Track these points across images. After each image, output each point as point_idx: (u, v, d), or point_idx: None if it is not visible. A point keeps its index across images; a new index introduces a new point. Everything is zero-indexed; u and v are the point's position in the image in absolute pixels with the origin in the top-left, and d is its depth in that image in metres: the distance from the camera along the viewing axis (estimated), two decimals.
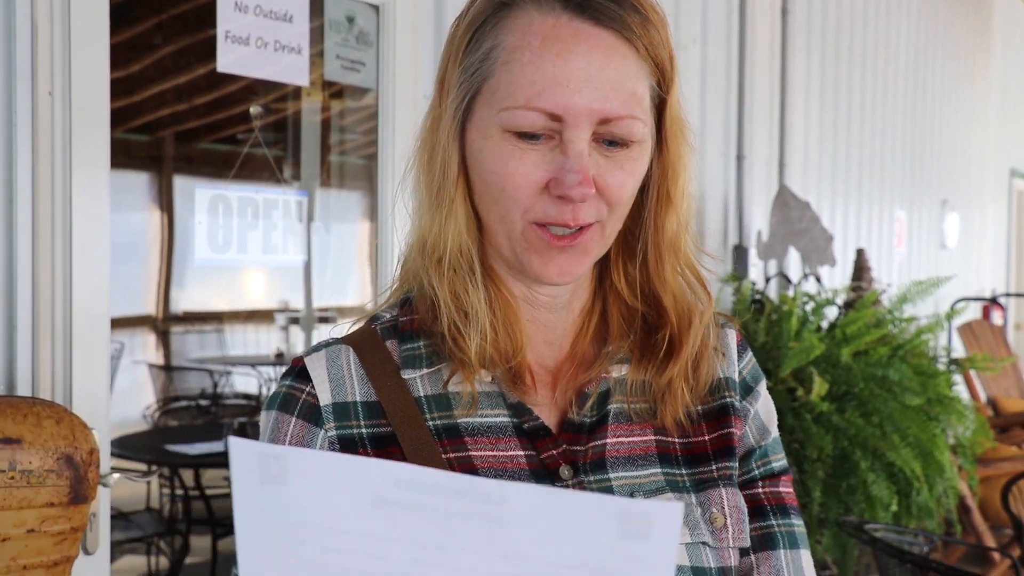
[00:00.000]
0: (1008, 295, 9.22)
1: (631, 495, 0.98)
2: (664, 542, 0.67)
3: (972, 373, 6.25)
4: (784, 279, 4.82)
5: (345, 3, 2.72)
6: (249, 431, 4.28)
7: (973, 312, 8.22)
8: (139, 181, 6.97)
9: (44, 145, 1.92)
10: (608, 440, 1.00)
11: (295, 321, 6.30)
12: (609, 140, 0.93)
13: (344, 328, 1.07)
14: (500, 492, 0.67)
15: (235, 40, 2.33)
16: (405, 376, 1.00)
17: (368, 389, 1.00)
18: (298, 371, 1.01)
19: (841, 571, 3.89)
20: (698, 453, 1.03)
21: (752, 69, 4.76)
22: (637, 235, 1.02)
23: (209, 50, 2.33)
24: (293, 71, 2.50)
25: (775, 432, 1.10)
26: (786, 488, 1.08)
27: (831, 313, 4.39)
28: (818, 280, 4.64)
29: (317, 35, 2.63)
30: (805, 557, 1.05)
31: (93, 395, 1.96)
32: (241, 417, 4.66)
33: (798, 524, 1.07)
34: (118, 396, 6.02)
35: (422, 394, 1.00)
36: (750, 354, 1.11)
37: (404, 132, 2.73)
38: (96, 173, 1.99)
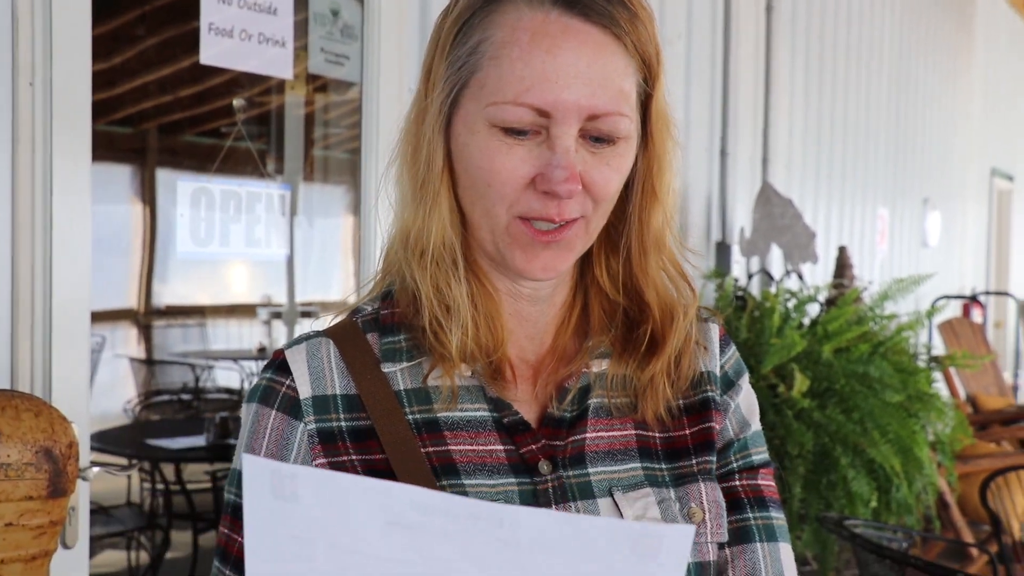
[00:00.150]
0: (988, 293, 9.28)
1: (610, 490, 0.98)
2: (674, 562, 0.67)
3: (952, 370, 6.28)
4: (766, 276, 4.83)
5: None
6: (231, 425, 4.27)
7: (953, 310, 8.27)
8: (122, 174, 6.93)
9: (24, 137, 1.91)
10: (588, 435, 1.00)
11: (277, 316, 6.28)
12: (596, 136, 0.93)
13: (326, 321, 1.06)
14: (514, 516, 0.67)
15: (219, 32, 2.32)
16: (385, 369, 1.00)
17: (348, 382, 1.00)
18: (278, 364, 1.01)
19: (821, 567, 3.91)
20: (678, 448, 1.03)
21: (736, 65, 4.77)
22: (621, 230, 1.02)
23: (193, 42, 2.32)
24: (277, 64, 2.49)
25: (756, 426, 1.09)
26: (766, 481, 1.07)
27: (813, 310, 4.40)
28: (800, 277, 4.66)
29: (301, 28, 2.62)
30: (784, 550, 1.05)
31: (73, 388, 1.95)
32: (223, 411, 4.63)
33: (777, 517, 1.06)
34: (99, 390, 5.99)
35: (402, 388, 1.00)
36: (733, 348, 1.11)
37: (388, 126, 2.72)
38: (77, 165, 1.98)
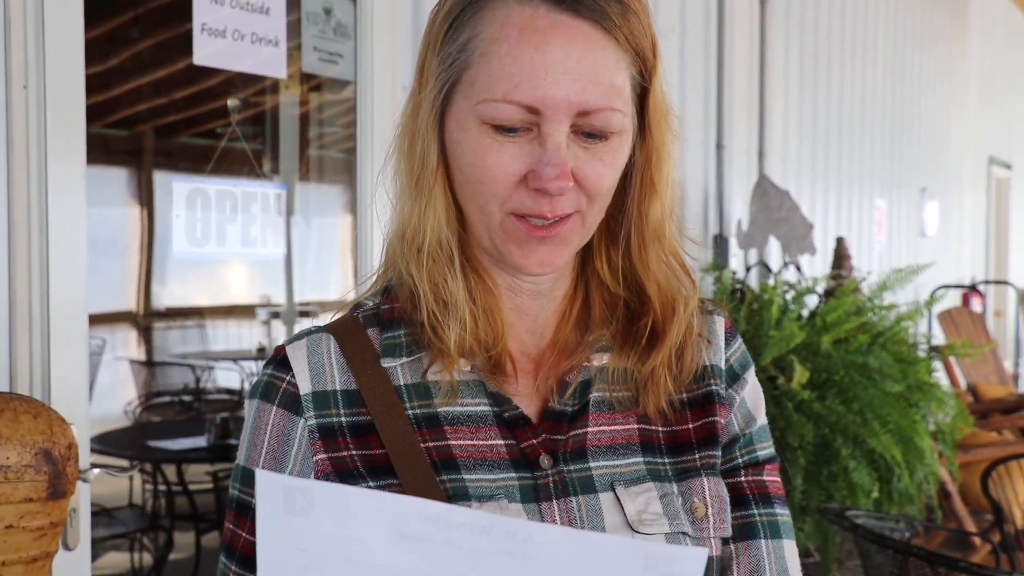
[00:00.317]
0: (987, 282, 9.28)
1: (611, 484, 0.98)
2: None
3: (952, 360, 6.29)
4: (764, 268, 4.83)
5: None
6: (232, 426, 4.27)
7: (953, 300, 8.27)
8: (118, 176, 6.94)
9: (19, 139, 1.91)
10: (589, 429, 1.00)
11: (276, 316, 6.28)
12: (588, 132, 0.92)
13: (327, 317, 1.07)
14: (525, 531, 0.67)
15: (211, 33, 2.32)
16: (385, 364, 1.00)
17: (348, 377, 1.00)
18: (279, 360, 1.01)
19: (823, 558, 3.91)
20: (682, 442, 1.03)
21: (731, 57, 4.77)
22: (620, 222, 1.02)
23: (187, 44, 2.32)
24: (270, 63, 2.49)
25: (762, 420, 1.08)
26: (771, 477, 1.07)
27: (811, 301, 4.41)
28: (798, 269, 4.66)
29: (294, 28, 2.61)
30: (788, 547, 1.04)
31: (72, 390, 1.95)
32: (224, 412, 4.64)
33: (782, 513, 1.06)
34: (100, 392, 6.00)
35: (402, 383, 1.00)
36: (739, 341, 1.10)
37: (383, 124, 2.72)
38: (72, 167, 1.98)
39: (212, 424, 4.28)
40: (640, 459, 1.00)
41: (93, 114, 5.79)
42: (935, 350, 4.54)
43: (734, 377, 1.07)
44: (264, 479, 0.68)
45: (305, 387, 0.99)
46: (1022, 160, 11.52)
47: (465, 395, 0.99)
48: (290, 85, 3.53)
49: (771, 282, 4.36)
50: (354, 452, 0.98)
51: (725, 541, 1.02)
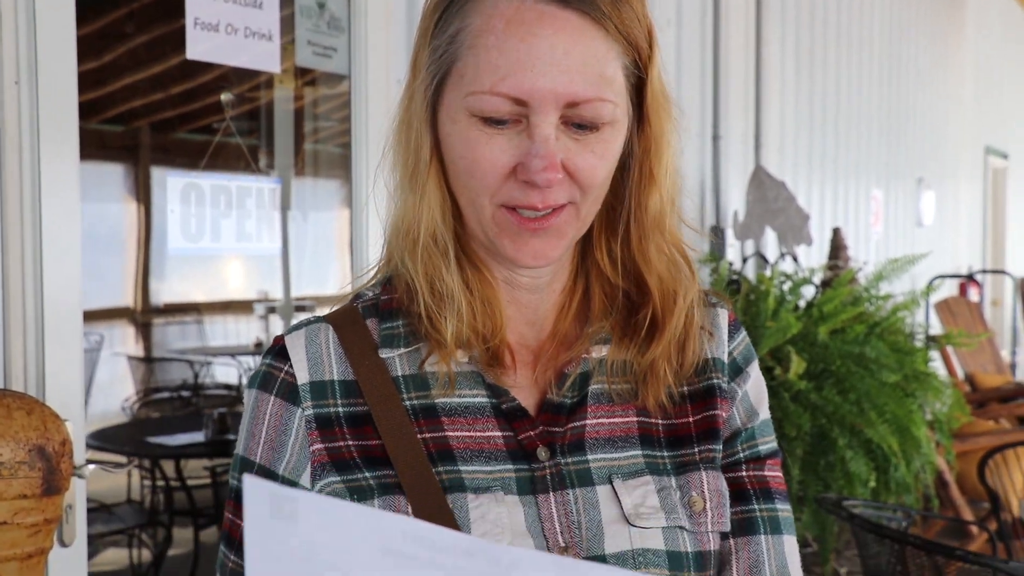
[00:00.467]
0: (984, 272, 9.28)
1: (609, 477, 0.98)
2: None
3: (949, 349, 6.29)
4: (761, 259, 4.84)
5: None
6: (229, 421, 4.28)
7: (950, 289, 8.27)
8: (115, 172, 6.93)
9: (11, 136, 1.91)
10: (588, 421, 1.00)
11: (274, 311, 6.29)
12: (578, 123, 0.92)
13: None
14: (510, 557, 0.67)
15: (204, 27, 2.32)
16: (383, 355, 1.00)
17: (346, 368, 1.00)
18: (278, 350, 1.02)
19: (821, 548, 3.92)
20: (681, 435, 1.02)
21: (727, 49, 4.76)
22: (620, 213, 1.01)
23: (181, 39, 2.31)
24: (264, 58, 2.49)
25: (765, 414, 1.08)
26: (772, 472, 1.06)
27: (808, 292, 4.41)
28: (795, 259, 4.66)
29: (288, 22, 2.61)
30: (788, 543, 1.04)
31: (67, 386, 1.95)
32: (221, 407, 4.64)
33: (783, 509, 1.05)
34: (98, 388, 6.00)
35: (400, 373, 1.00)
36: (743, 334, 1.09)
37: (377, 117, 2.72)
38: (65, 164, 1.97)
39: (210, 419, 4.28)
40: (639, 452, 1.00)
41: (88, 110, 5.80)
42: (932, 340, 4.55)
43: (737, 371, 1.06)
44: (251, 485, 0.68)
45: (303, 377, 0.99)
46: (1018, 150, 11.52)
47: (463, 386, 0.99)
48: (284, 80, 3.53)
49: (768, 273, 4.36)
50: (351, 442, 0.98)
51: (724, 536, 1.02)
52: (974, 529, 4.55)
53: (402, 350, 1.00)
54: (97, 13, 4.97)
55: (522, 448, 0.97)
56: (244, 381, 6.27)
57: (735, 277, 4.19)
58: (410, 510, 0.94)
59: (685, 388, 1.03)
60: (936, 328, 6.78)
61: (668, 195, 1.01)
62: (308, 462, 0.98)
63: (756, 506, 1.04)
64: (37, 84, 1.92)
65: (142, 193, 6.99)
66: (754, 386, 1.07)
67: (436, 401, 0.98)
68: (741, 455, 1.05)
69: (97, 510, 4.20)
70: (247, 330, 7.25)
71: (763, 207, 4.61)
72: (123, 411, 5.91)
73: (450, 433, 0.97)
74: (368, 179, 2.72)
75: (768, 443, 1.07)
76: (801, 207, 4.71)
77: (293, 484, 0.99)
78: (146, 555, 4.51)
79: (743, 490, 1.04)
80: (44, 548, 1.34)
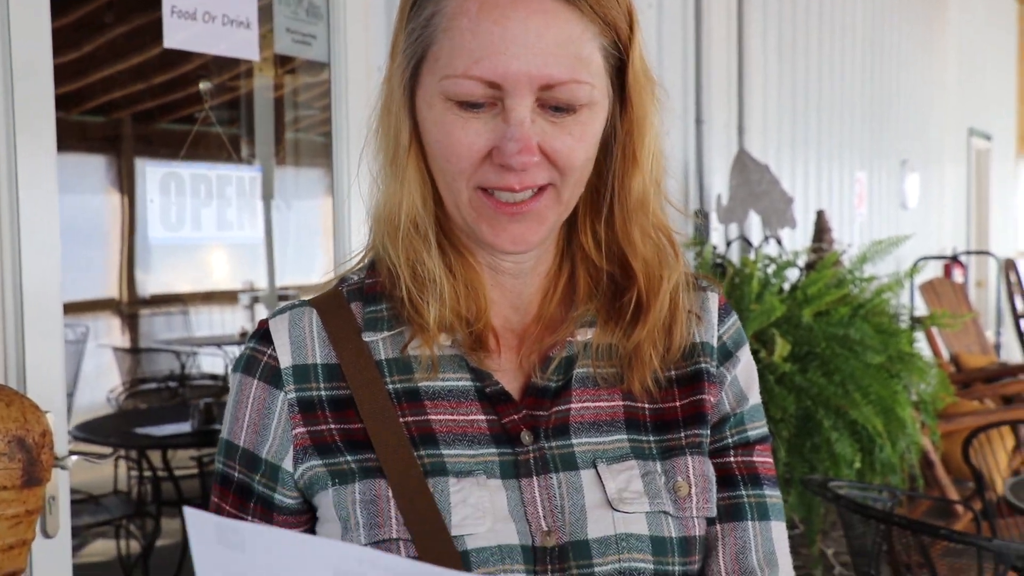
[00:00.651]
0: (968, 253, 9.32)
1: (594, 461, 0.97)
2: None
3: (935, 331, 6.31)
4: (745, 242, 4.84)
5: None
6: (215, 411, 4.26)
7: (935, 271, 8.30)
8: (97, 163, 6.90)
9: None
10: (573, 405, 0.99)
11: (258, 300, 6.27)
12: (555, 106, 0.91)
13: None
14: None
15: (181, 15, 2.30)
16: (366, 339, 1.00)
17: (329, 351, 1.00)
18: (261, 334, 1.02)
19: (807, 529, 3.93)
20: (668, 420, 1.02)
21: (709, 32, 4.76)
22: (604, 195, 1.01)
23: (160, 28, 2.29)
24: (243, 46, 2.47)
25: (755, 399, 1.07)
26: (761, 458, 1.05)
27: (792, 275, 4.42)
28: (779, 242, 4.67)
29: (267, 10, 2.59)
30: (776, 529, 1.04)
31: (48, 378, 1.94)
32: (207, 397, 4.63)
33: (771, 495, 1.05)
34: (85, 381, 5.98)
35: (383, 357, 0.99)
36: (733, 318, 1.08)
37: (357, 105, 2.70)
38: (42, 156, 1.96)
39: (196, 409, 4.27)
40: (624, 436, 1.00)
41: (68, 102, 5.76)
42: (917, 321, 4.56)
43: (726, 355, 1.05)
44: (193, 517, 0.68)
45: (285, 361, 1.00)
46: (1001, 131, 11.55)
47: (447, 370, 0.99)
48: (264, 68, 3.51)
49: (752, 256, 4.36)
50: (332, 426, 0.98)
51: (710, 521, 1.01)
52: (959, 508, 4.57)
53: (385, 333, 1.00)
54: (75, 4, 4.94)
55: (506, 432, 0.97)
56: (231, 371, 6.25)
57: (719, 261, 4.20)
58: (391, 494, 0.94)
59: (672, 372, 1.03)
60: (921, 309, 6.81)
61: (652, 177, 1.00)
62: (291, 446, 0.99)
63: (744, 492, 1.03)
64: (12, 76, 1.90)
65: (125, 184, 6.96)
66: (744, 371, 1.06)
67: (419, 385, 0.98)
68: (729, 440, 1.04)
69: (84, 501, 4.19)
70: (232, 320, 7.23)
71: (747, 191, 4.62)
72: (108, 402, 5.89)
73: (433, 417, 0.97)
74: (350, 167, 2.71)
75: (758, 428, 1.06)
76: (785, 190, 4.72)
77: (276, 468, 1.00)
78: (134, 546, 4.50)
79: (731, 476, 1.03)
80: (26, 539, 1.34)
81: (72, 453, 1.95)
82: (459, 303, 0.98)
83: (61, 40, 2.01)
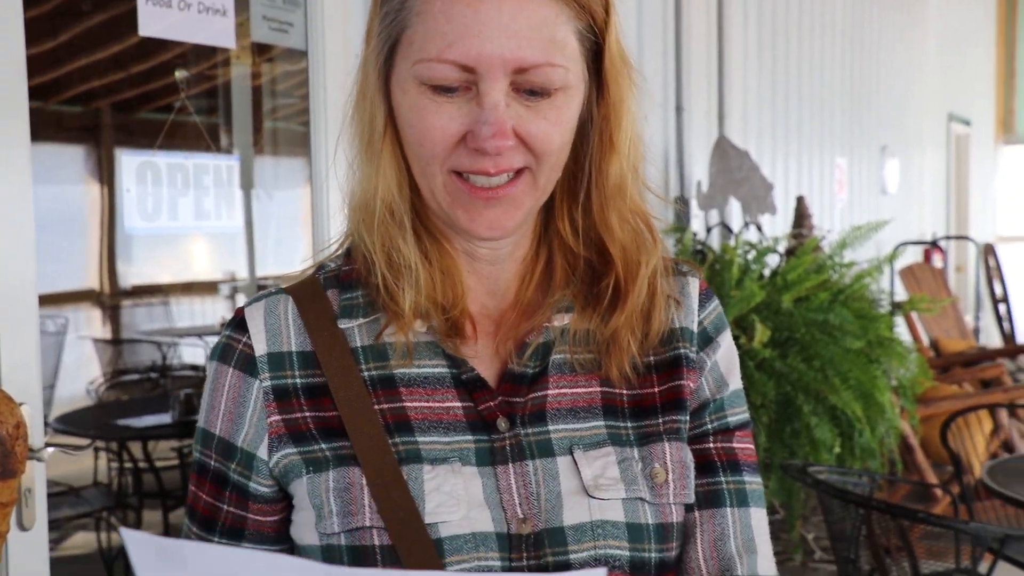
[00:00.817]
0: (948, 238, 9.35)
1: (570, 448, 0.97)
2: None
3: (914, 316, 6.34)
4: (725, 229, 4.85)
5: None
6: (196, 402, 4.25)
7: (915, 256, 8.33)
8: (76, 153, 6.85)
9: None
10: (550, 391, 0.99)
11: (239, 290, 6.25)
12: (529, 89, 0.91)
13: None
14: None
15: (157, 3, 2.28)
16: (342, 325, 0.99)
17: (304, 339, 1.00)
18: (237, 322, 1.02)
19: (787, 514, 3.95)
20: (646, 406, 1.01)
21: (689, 19, 4.75)
22: (581, 180, 1.00)
23: (136, 17, 2.28)
24: (219, 34, 2.45)
25: (735, 385, 1.06)
26: (741, 444, 1.05)
27: (772, 261, 4.43)
28: (759, 228, 4.68)
29: None
30: (756, 515, 1.03)
31: (23, 370, 1.93)
32: (188, 388, 4.61)
33: (751, 481, 1.04)
34: (65, 372, 5.95)
35: (359, 344, 0.99)
36: (714, 303, 1.07)
37: (336, 93, 2.69)
38: (15, 147, 1.94)
39: (177, 400, 4.25)
40: (601, 423, 0.99)
41: (45, 91, 5.71)
42: (896, 306, 4.58)
43: (707, 340, 1.05)
44: (131, 538, 0.67)
45: (260, 348, 0.99)
46: (980, 117, 11.59)
47: (423, 356, 0.98)
48: (242, 56, 3.49)
49: (732, 242, 4.37)
50: (307, 414, 0.98)
51: (688, 508, 1.01)
52: (938, 492, 4.61)
53: (361, 320, 1.00)
54: None
55: (482, 419, 0.97)
56: None
57: (700, 247, 4.20)
58: (364, 481, 0.94)
59: (651, 358, 1.02)
60: (901, 295, 6.83)
61: (630, 162, 1.00)
62: (265, 434, 0.98)
63: (723, 478, 1.03)
64: None
65: (105, 174, 6.92)
66: (724, 356, 1.06)
67: (395, 372, 0.98)
68: (709, 426, 1.04)
69: (64, 493, 4.17)
70: (213, 310, 7.21)
71: (727, 177, 4.62)
72: (89, 394, 5.86)
73: (408, 404, 0.97)
74: (328, 155, 2.70)
75: (738, 414, 1.06)
76: (765, 176, 4.72)
77: (251, 456, 1.00)
78: (115, 538, 4.49)
79: (710, 462, 1.03)
80: (1, 532, 1.33)
81: (48, 445, 1.94)
82: (435, 290, 0.98)
83: (37, 29, 1.99)
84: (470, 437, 0.96)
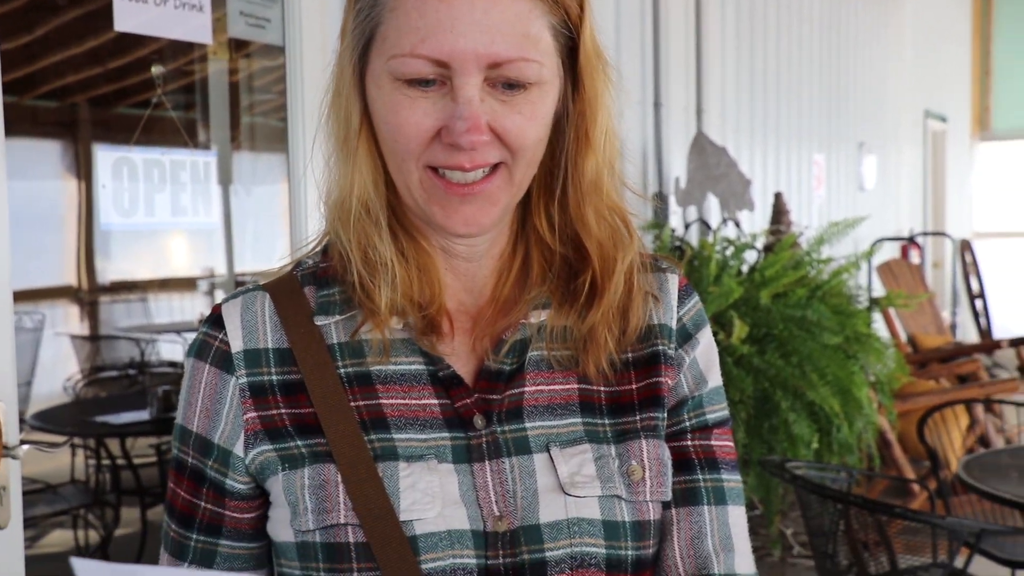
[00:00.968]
0: (925, 234, 9.41)
1: (547, 445, 0.97)
2: None
3: (892, 312, 6.38)
4: (704, 225, 4.86)
5: None
6: (174, 398, 4.22)
7: (892, 252, 8.38)
8: (52, 149, 6.81)
9: None
10: (527, 388, 0.99)
11: (217, 287, 6.23)
12: (504, 84, 0.91)
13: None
14: None
15: None
16: (319, 322, 0.99)
17: (281, 336, 0.99)
18: (214, 319, 1.01)
19: (766, 510, 3.97)
20: (624, 403, 1.01)
21: (667, 15, 4.76)
22: (557, 176, 1.00)
23: (112, 12, 2.26)
24: (195, 30, 2.44)
25: (715, 382, 1.06)
26: (720, 441, 1.04)
27: (750, 257, 4.45)
28: (737, 225, 4.70)
29: None
30: (734, 513, 1.03)
31: None
32: (166, 385, 4.59)
33: (729, 479, 1.04)
34: (42, 369, 5.91)
35: (335, 341, 0.99)
36: (694, 300, 1.07)
37: (314, 89, 2.68)
38: None
39: (155, 397, 4.24)
40: (578, 420, 0.99)
41: (21, 86, 5.67)
42: (874, 302, 4.61)
43: (686, 336, 1.04)
44: (81, 566, 0.67)
45: (237, 345, 0.99)
46: (956, 113, 11.65)
47: (399, 353, 0.98)
48: (219, 52, 3.48)
49: (710, 239, 4.38)
50: (283, 410, 0.97)
51: (666, 505, 1.01)
52: (916, 487, 4.64)
53: (338, 317, 0.99)
54: None
55: (458, 416, 0.97)
56: None
57: (678, 243, 4.21)
58: (339, 478, 0.94)
59: (629, 355, 1.02)
60: (878, 290, 6.87)
61: (606, 158, 1.00)
62: (242, 431, 0.98)
63: (700, 476, 1.02)
64: None
65: (82, 170, 6.88)
66: (704, 352, 1.05)
67: (371, 369, 0.98)
68: (687, 424, 1.04)
69: (41, 491, 4.15)
70: (192, 306, 7.18)
71: (705, 173, 4.63)
72: (66, 391, 5.83)
73: (384, 401, 0.97)
74: (306, 151, 2.69)
75: (717, 412, 1.05)
76: (743, 173, 4.74)
77: (227, 453, 0.99)
78: (93, 536, 4.47)
79: (688, 459, 1.03)
80: None
81: (24, 442, 1.93)
82: (412, 287, 0.98)
83: (12, 24, 1.97)
84: (446, 434, 0.96)
